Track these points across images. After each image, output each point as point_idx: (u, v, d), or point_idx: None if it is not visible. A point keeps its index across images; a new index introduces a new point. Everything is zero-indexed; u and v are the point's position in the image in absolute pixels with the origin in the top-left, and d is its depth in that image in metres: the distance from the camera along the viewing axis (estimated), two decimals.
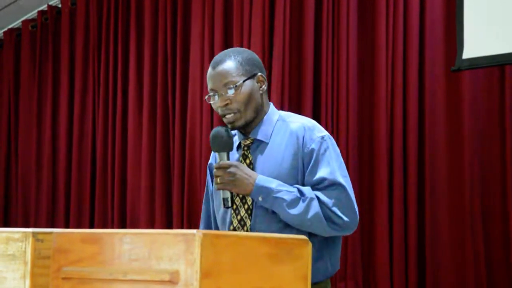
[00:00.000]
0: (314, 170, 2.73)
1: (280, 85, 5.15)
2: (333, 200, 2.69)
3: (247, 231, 2.77)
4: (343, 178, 2.74)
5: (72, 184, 6.51)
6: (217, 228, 2.96)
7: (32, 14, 7.08)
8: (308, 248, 1.88)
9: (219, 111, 2.82)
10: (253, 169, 2.81)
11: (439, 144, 4.56)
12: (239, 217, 2.81)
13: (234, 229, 2.80)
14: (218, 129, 2.81)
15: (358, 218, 2.74)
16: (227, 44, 5.59)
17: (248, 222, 2.78)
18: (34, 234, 1.95)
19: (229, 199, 2.76)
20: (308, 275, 1.87)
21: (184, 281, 1.68)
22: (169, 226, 5.80)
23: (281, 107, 5.13)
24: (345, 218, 2.69)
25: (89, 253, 1.87)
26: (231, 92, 2.77)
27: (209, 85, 2.83)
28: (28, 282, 1.92)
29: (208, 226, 3.04)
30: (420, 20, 4.69)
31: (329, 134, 2.81)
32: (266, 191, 2.71)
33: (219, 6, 5.63)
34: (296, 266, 1.85)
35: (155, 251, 1.74)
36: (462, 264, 4.42)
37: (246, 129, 2.86)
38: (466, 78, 4.46)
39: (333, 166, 2.73)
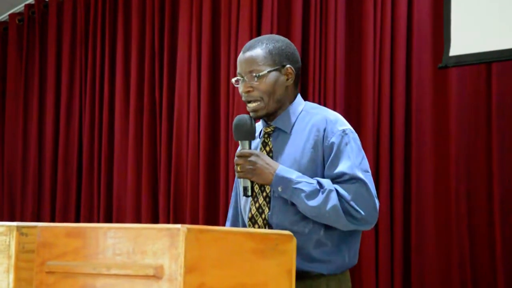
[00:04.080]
0: (334, 164, 2.73)
1: None
2: (352, 194, 2.68)
3: (264, 219, 2.79)
4: (364, 173, 2.73)
5: (58, 178, 6.49)
6: (243, 219, 2.98)
7: (19, 7, 7.05)
8: (293, 244, 1.88)
9: (243, 97, 2.84)
10: (272, 157, 2.81)
11: (425, 141, 4.56)
12: (257, 205, 2.82)
13: (252, 217, 2.82)
14: (241, 118, 2.82)
15: (377, 214, 2.74)
16: (214, 40, 5.58)
17: (266, 210, 2.79)
18: (18, 228, 1.95)
19: (249, 188, 2.76)
20: (292, 270, 1.87)
21: (168, 276, 1.67)
22: (155, 221, 5.79)
23: None
24: (363, 213, 2.69)
25: (73, 247, 1.86)
26: (255, 80, 2.79)
27: (238, 69, 2.85)
28: (12, 276, 1.92)
29: (235, 220, 3.05)
30: (408, 17, 4.69)
31: (351, 128, 2.81)
32: (286, 182, 2.70)
33: (207, 2, 5.62)
34: (280, 261, 1.85)
35: (140, 246, 1.73)
36: (447, 261, 4.43)
37: (269, 117, 2.87)
38: (453, 75, 4.47)
39: (353, 161, 2.73)
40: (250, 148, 2.79)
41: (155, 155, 5.90)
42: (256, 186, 2.82)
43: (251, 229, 2.49)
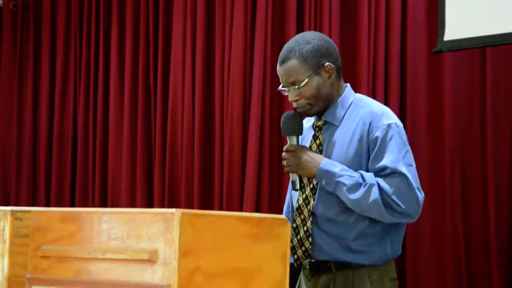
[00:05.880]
0: (378, 158, 2.77)
1: (262, 80, 5.16)
2: (393, 188, 2.72)
3: (310, 210, 2.84)
4: (407, 167, 2.77)
5: (53, 163, 6.47)
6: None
7: None
8: (287, 228, 1.88)
9: (293, 104, 2.89)
10: (321, 150, 2.87)
11: (420, 126, 4.56)
12: (304, 196, 2.88)
13: (299, 207, 2.88)
14: (288, 114, 2.90)
15: (419, 207, 2.77)
16: (209, 28, 5.56)
17: (312, 202, 2.85)
18: (13, 212, 1.95)
19: (297, 182, 2.84)
20: (287, 254, 1.87)
21: (162, 260, 1.68)
22: (150, 205, 5.78)
23: (262, 104, 5.14)
24: (403, 206, 2.73)
25: (68, 232, 1.87)
26: (298, 90, 2.83)
27: (280, 79, 2.90)
28: (6, 260, 1.92)
29: (289, 211, 3.08)
30: (402, 2, 4.69)
31: (397, 122, 2.84)
32: (329, 175, 2.76)
33: None
34: (275, 245, 1.86)
35: (134, 230, 1.74)
36: (441, 250, 4.44)
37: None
38: (447, 60, 4.47)
39: (396, 155, 2.76)
40: (298, 143, 2.86)
41: (149, 140, 5.89)
42: (305, 178, 2.87)
43: (246, 213, 2.50)
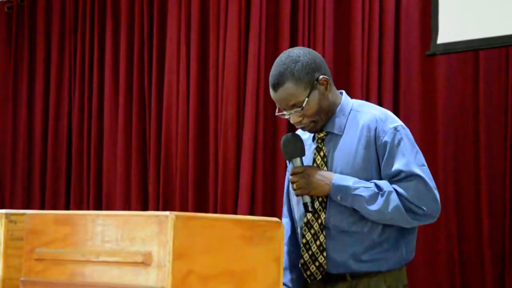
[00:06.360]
0: (390, 163, 2.72)
1: (256, 82, 5.17)
2: (411, 192, 2.69)
3: (321, 224, 2.78)
4: (420, 167, 2.73)
5: (47, 166, 6.47)
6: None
7: None
8: (281, 230, 1.88)
9: (296, 125, 2.83)
10: (326, 161, 2.80)
11: (413, 129, 4.56)
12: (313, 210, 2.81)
13: (308, 222, 2.81)
14: (286, 138, 2.83)
15: (439, 206, 2.75)
16: (203, 30, 5.56)
17: (323, 215, 2.78)
18: (7, 215, 1.95)
19: (309, 204, 2.77)
20: (280, 257, 1.87)
21: (156, 263, 1.68)
22: (144, 208, 5.79)
23: (256, 105, 5.15)
24: (425, 208, 2.70)
25: (62, 235, 1.87)
26: (300, 111, 2.76)
27: (277, 104, 2.82)
28: (0, 263, 1.92)
29: (290, 216, 3.00)
30: (396, 5, 4.70)
31: (402, 124, 2.80)
32: (344, 190, 2.71)
33: None
34: (269, 248, 1.86)
35: (128, 233, 1.74)
36: (434, 247, 4.45)
37: None
38: (441, 63, 4.49)
39: (408, 157, 2.72)
40: (302, 163, 2.79)
41: (144, 141, 5.90)
42: None
43: (240, 216, 2.51)
